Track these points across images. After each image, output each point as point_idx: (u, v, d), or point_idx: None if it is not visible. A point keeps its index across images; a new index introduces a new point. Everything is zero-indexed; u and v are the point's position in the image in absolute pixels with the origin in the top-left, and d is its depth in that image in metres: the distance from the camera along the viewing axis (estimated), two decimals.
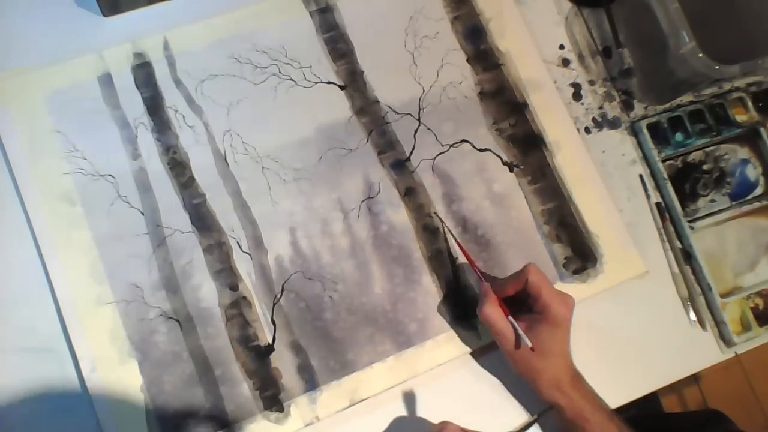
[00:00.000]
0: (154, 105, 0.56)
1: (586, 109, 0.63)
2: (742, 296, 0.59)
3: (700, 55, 0.53)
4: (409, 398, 0.54)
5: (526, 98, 0.60)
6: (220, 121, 0.56)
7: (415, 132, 0.58)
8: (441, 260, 0.56)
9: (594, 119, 0.63)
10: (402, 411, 0.53)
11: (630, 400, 0.56)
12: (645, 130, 0.62)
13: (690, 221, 0.60)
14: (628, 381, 0.56)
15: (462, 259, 0.56)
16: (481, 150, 0.59)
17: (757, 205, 0.62)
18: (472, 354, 0.55)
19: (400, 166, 0.58)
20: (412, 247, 0.56)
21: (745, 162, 0.64)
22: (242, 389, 0.51)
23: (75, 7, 0.57)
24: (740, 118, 0.63)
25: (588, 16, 0.64)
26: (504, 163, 0.59)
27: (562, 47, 0.64)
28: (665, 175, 0.61)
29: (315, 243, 0.55)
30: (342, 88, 0.59)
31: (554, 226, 0.58)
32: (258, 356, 0.52)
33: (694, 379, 1.35)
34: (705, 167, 0.63)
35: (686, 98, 0.64)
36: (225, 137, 0.56)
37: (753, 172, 0.64)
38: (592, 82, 0.63)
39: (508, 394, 0.55)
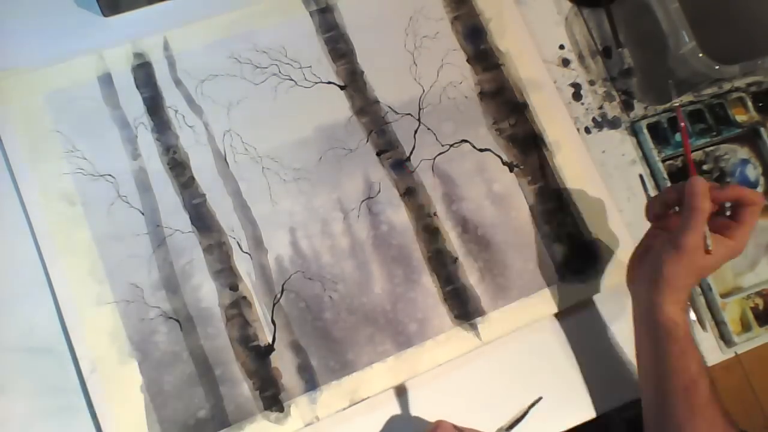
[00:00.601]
0: (154, 105, 0.56)
1: (586, 109, 0.63)
2: (742, 296, 0.60)
3: (700, 55, 0.53)
4: (409, 398, 0.54)
5: (526, 98, 0.60)
6: (220, 121, 0.56)
7: (415, 132, 0.58)
8: (441, 260, 0.56)
9: (594, 119, 0.63)
10: (402, 411, 0.53)
11: (630, 400, 0.56)
12: (645, 130, 0.62)
13: None
14: (628, 381, 0.56)
15: (462, 258, 0.56)
16: (481, 150, 0.59)
17: None
18: (472, 354, 0.55)
19: (400, 166, 0.58)
20: (412, 247, 0.56)
21: (745, 162, 0.64)
22: (242, 389, 0.51)
23: (75, 7, 0.57)
24: (740, 118, 0.63)
25: (588, 16, 0.64)
26: (504, 163, 0.59)
27: (562, 47, 0.64)
28: (665, 175, 0.61)
29: (315, 243, 0.55)
30: (342, 88, 0.59)
31: (554, 226, 0.58)
32: (258, 356, 0.52)
33: None
34: (705, 167, 0.63)
35: (686, 98, 0.64)
36: (225, 137, 0.56)
37: (753, 172, 0.64)
38: (592, 82, 0.63)
39: (508, 393, 0.55)
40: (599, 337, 0.57)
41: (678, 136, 0.62)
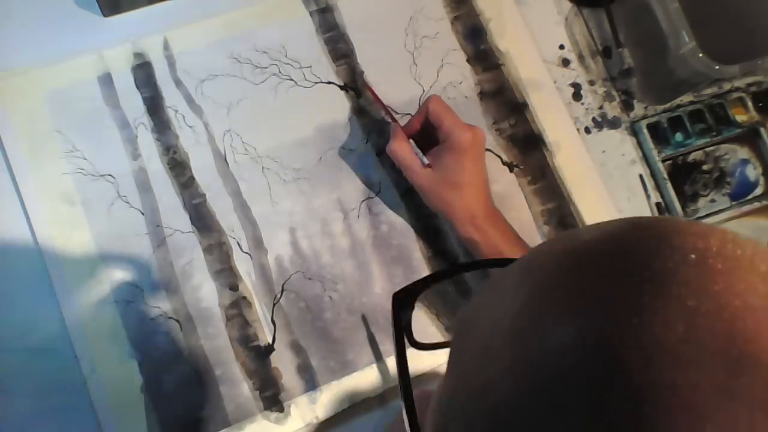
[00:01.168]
0: (154, 105, 0.56)
1: (586, 109, 0.63)
2: None
3: (700, 55, 0.53)
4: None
5: (526, 98, 0.60)
6: (220, 121, 0.56)
7: None
8: (441, 260, 0.56)
9: (594, 119, 0.63)
10: (402, 411, 0.53)
11: None
12: (645, 130, 0.62)
13: None
14: None
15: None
16: None
17: (757, 205, 0.62)
18: None
19: None
20: (412, 247, 0.56)
21: (745, 162, 0.64)
22: (242, 389, 0.51)
23: (75, 7, 0.57)
24: (740, 118, 0.63)
25: (588, 16, 0.64)
26: (504, 163, 0.59)
27: (562, 47, 0.64)
28: (665, 175, 0.61)
29: (315, 243, 0.55)
30: (342, 88, 0.59)
31: (554, 226, 0.58)
32: (258, 356, 0.52)
33: None
34: (705, 167, 0.63)
35: (686, 98, 0.64)
36: (225, 137, 0.56)
37: (753, 172, 0.64)
38: (592, 82, 0.63)
39: None
40: None
41: (678, 136, 0.62)
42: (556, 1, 0.65)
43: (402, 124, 0.53)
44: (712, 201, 0.63)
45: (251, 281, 0.54)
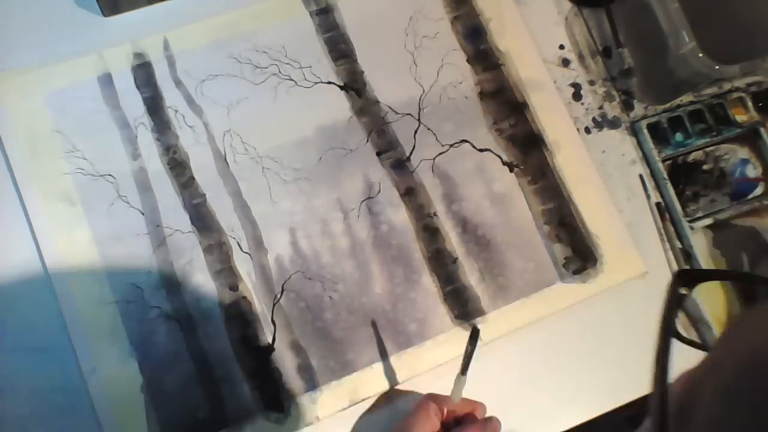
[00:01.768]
0: (154, 105, 0.56)
1: (586, 109, 0.63)
2: None
3: (700, 55, 0.53)
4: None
5: (526, 98, 0.60)
6: (220, 121, 0.56)
7: (415, 132, 0.58)
8: (441, 260, 0.56)
9: (594, 119, 0.63)
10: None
11: (629, 401, 0.56)
12: (645, 130, 0.62)
13: (690, 221, 0.60)
14: (627, 381, 0.56)
15: (462, 258, 0.56)
16: (481, 150, 0.59)
17: (757, 205, 0.62)
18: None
19: (400, 166, 0.58)
20: (412, 247, 0.56)
21: (745, 162, 0.64)
22: (242, 389, 0.51)
23: (75, 7, 0.57)
24: (740, 118, 0.63)
25: (588, 16, 0.64)
26: (504, 163, 0.59)
27: (562, 47, 0.64)
28: (665, 175, 0.61)
29: (315, 243, 0.55)
30: (342, 88, 0.59)
31: (554, 226, 0.58)
32: (258, 356, 0.52)
33: None
34: (705, 167, 0.63)
35: (686, 98, 0.64)
36: (225, 137, 0.56)
37: (753, 172, 0.64)
38: (592, 82, 0.63)
39: (508, 393, 0.55)
40: (599, 338, 0.57)
41: (678, 136, 0.62)
42: (556, 1, 0.65)
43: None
44: (712, 201, 0.63)
45: (251, 281, 0.54)
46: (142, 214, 0.54)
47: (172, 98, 0.56)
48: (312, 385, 0.52)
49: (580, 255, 0.57)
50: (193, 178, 0.55)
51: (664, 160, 0.61)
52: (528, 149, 0.59)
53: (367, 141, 0.58)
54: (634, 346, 0.57)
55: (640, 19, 0.58)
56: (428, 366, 0.53)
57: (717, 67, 0.53)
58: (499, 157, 0.59)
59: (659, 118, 0.62)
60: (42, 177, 0.53)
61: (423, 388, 0.54)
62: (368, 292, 0.54)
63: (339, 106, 0.58)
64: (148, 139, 0.55)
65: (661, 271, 0.59)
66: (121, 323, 0.51)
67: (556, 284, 0.56)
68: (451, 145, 0.59)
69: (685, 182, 0.63)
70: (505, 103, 0.60)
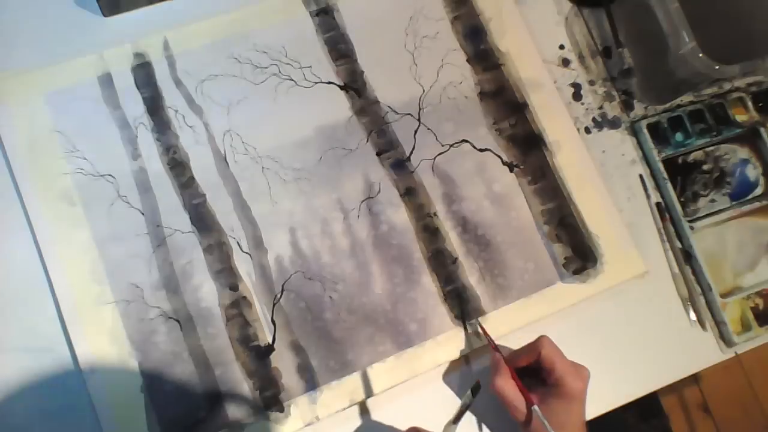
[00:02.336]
0: (154, 105, 0.56)
1: (586, 109, 0.63)
2: (742, 296, 0.60)
3: (700, 55, 0.53)
4: (409, 399, 0.54)
5: (526, 98, 0.60)
6: (220, 121, 0.56)
7: (415, 132, 0.58)
8: (441, 260, 0.56)
9: (594, 119, 0.63)
10: (402, 411, 0.53)
11: (630, 400, 0.56)
12: (645, 130, 0.62)
13: (690, 221, 0.60)
14: (628, 381, 0.56)
15: (462, 258, 0.56)
16: (481, 150, 0.59)
17: (757, 205, 0.62)
18: (471, 354, 0.55)
19: (400, 166, 0.58)
20: (412, 247, 0.56)
21: (745, 162, 0.64)
22: (242, 389, 0.51)
23: (75, 7, 0.57)
24: (740, 118, 0.63)
25: (588, 16, 0.64)
26: (504, 163, 0.59)
27: (562, 47, 0.64)
28: (665, 175, 0.61)
29: (315, 243, 0.55)
30: (342, 88, 0.59)
31: (554, 226, 0.58)
32: (258, 356, 0.52)
33: (694, 379, 1.35)
34: (705, 167, 0.63)
35: (686, 98, 0.64)
36: (225, 137, 0.56)
37: (753, 172, 0.64)
38: (592, 82, 0.63)
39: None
40: (599, 338, 0.57)
41: (678, 136, 0.62)
42: (556, 1, 0.65)
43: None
44: (712, 201, 0.63)
45: (251, 281, 0.54)
46: (142, 214, 0.54)
47: (172, 98, 0.56)
48: (312, 385, 0.52)
49: (580, 255, 0.57)
50: (193, 178, 0.55)
51: (664, 160, 0.61)
52: (528, 149, 0.59)
53: (367, 141, 0.58)
54: (634, 346, 0.57)
55: (640, 19, 0.58)
56: (428, 366, 0.53)
57: (717, 67, 0.53)
58: (499, 157, 0.59)
59: (659, 118, 0.62)
60: (42, 177, 0.53)
61: (423, 388, 0.54)
62: (368, 292, 0.54)
63: (339, 106, 0.58)
64: (148, 139, 0.55)
65: (661, 271, 0.59)
66: (121, 323, 0.51)
67: (556, 284, 0.56)
68: (451, 145, 0.59)
69: (685, 182, 0.63)
70: (505, 103, 0.60)
